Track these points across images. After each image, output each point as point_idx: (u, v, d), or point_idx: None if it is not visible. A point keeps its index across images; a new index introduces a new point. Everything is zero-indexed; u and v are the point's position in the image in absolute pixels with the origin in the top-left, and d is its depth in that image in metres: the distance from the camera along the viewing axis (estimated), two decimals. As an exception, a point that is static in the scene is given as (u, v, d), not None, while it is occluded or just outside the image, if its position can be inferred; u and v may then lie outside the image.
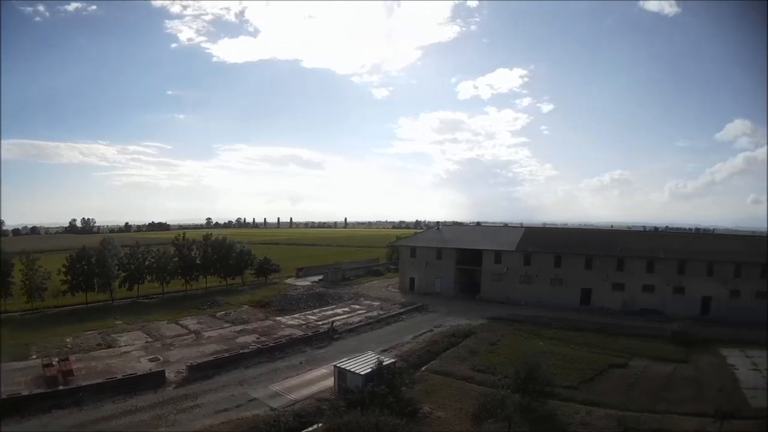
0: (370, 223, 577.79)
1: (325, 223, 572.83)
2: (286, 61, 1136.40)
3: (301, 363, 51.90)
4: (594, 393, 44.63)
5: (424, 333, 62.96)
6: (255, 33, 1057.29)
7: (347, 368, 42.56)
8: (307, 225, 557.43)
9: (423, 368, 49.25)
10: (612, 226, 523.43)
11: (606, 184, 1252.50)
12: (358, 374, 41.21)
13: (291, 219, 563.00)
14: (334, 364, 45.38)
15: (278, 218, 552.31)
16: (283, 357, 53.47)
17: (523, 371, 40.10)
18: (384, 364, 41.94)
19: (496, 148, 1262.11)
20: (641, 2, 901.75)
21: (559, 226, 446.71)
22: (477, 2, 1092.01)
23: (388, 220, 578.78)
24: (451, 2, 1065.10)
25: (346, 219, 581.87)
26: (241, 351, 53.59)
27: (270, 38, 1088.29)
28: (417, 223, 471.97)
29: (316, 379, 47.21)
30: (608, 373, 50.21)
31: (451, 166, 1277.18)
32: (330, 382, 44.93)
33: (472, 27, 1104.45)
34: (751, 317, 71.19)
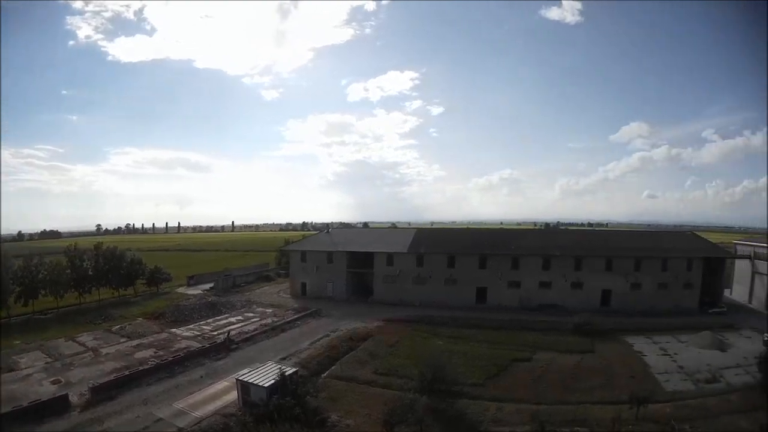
0: (257, 227, 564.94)
1: (212, 227, 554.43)
2: (179, 61, 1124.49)
3: (201, 377, 48.92)
4: (501, 389, 44.28)
5: (321, 338, 61.53)
6: (151, 32, 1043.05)
7: (250, 381, 39.98)
8: (194, 229, 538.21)
9: (324, 374, 48.13)
10: (502, 224, 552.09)
11: (495, 183, 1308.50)
12: (261, 387, 38.88)
13: (179, 224, 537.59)
14: (235, 377, 42.72)
15: (166, 223, 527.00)
16: (183, 371, 50.16)
17: (428, 372, 39.30)
18: (287, 374, 40.36)
19: (384, 150, 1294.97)
20: (542, 10, 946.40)
21: (448, 225, 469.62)
22: (375, 5, 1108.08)
23: (275, 223, 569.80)
24: (349, 4, 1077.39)
25: (233, 222, 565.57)
26: (140, 368, 49.86)
27: (165, 37, 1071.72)
28: (304, 225, 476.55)
29: (219, 393, 44.28)
30: (513, 367, 50.06)
31: (339, 168, 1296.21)
32: (233, 395, 42.12)
33: (367, 30, 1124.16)
34: (651, 307, 75.22)
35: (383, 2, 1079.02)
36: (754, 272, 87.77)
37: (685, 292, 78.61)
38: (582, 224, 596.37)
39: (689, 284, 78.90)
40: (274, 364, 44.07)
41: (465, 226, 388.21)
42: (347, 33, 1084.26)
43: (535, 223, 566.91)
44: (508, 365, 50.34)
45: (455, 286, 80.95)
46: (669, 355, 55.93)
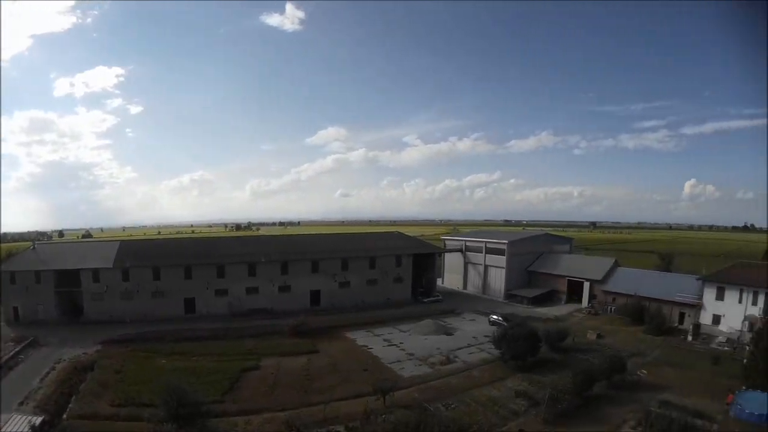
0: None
1: None
2: None
3: None
4: (242, 401, 41.02)
5: (49, 372, 51.18)
6: None
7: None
8: None
9: (65, 415, 39.94)
10: (192, 226, 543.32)
11: (186, 184, 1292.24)
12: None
13: None
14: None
15: None
16: None
17: (171, 399, 33.35)
18: (37, 425, 34.58)
19: (81, 150, 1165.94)
20: (262, 17, 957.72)
21: (138, 230, 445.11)
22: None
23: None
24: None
25: None
26: None
27: None
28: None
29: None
30: (245, 378, 47.07)
31: (36, 169, 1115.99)
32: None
33: (89, 19, 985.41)
34: (362, 302, 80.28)
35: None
36: (467, 263, 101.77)
37: (396, 285, 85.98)
38: (274, 224, 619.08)
39: (400, 278, 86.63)
40: (21, 416, 37.38)
41: (156, 232, 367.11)
42: (69, 20, 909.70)
43: (226, 225, 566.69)
44: (240, 376, 47.27)
45: (163, 298, 74.26)
46: (395, 345, 58.70)
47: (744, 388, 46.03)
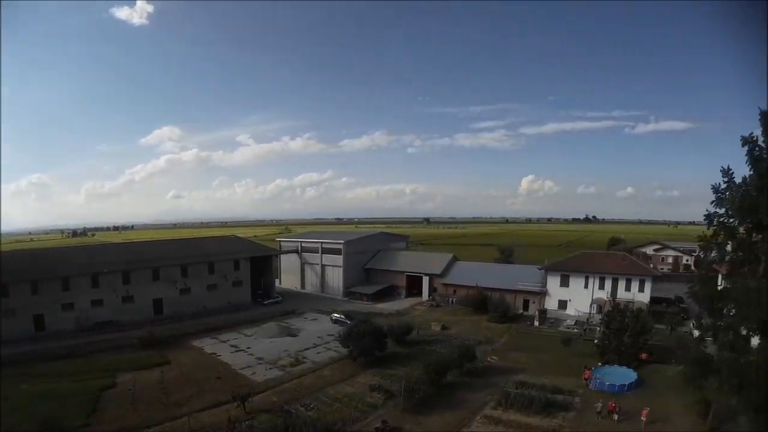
0: None
1: None
2: None
3: None
4: (107, 422, 38.85)
5: None
6: None
7: None
8: None
9: None
10: (30, 234, 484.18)
11: (24, 188, 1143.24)
12: None
13: None
14: None
15: None
16: None
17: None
18: None
19: None
20: (112, 9, 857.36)
21: None
22: None
23: None
24: None
25: None
26: None
27: None
28: None
29: None
30: (104, 397, 44.54)
31: None
32: None
33: None
34: (203, 308, 79.16)
35: None
36: (304, 263, 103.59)
37: (235, 289, 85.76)
38: (109, 228, 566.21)
39: (239, 282, 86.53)
40: None
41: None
42: None
43: (62, 231, 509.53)
44: (99, 396, 44.48)
45: (14, 318, 65.94)
46: (243, 350, 58.98)
47: (600, 364, 52.05)
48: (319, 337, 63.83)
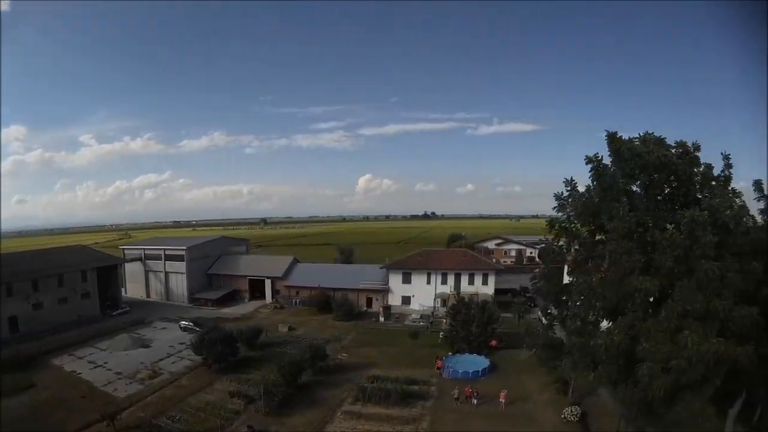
0: None
1: None
2: None
3: None
4: None
5: None
6: None
7: None
8: None
9: None
10: None
11: None
12: None
13: None
14: None
15: None
16: None
17: None
18: None
19: None
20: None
21: None
22: None
23: None
24: None
25: None
26: None
27: None
28: None
29: None
30: None
31: None
32: None
33: None
34: (58, 323, 78.86)
35: None
36: (148, 271, 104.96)
37: (84, 301, 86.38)
38: None
39: (87, 293, 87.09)
40: None
41: None
42: None
43: None
44: None
45: None
46: (101, 365, 60.25)
47: (450, 354, 55.93)
48: (171, 347, 65.88)
